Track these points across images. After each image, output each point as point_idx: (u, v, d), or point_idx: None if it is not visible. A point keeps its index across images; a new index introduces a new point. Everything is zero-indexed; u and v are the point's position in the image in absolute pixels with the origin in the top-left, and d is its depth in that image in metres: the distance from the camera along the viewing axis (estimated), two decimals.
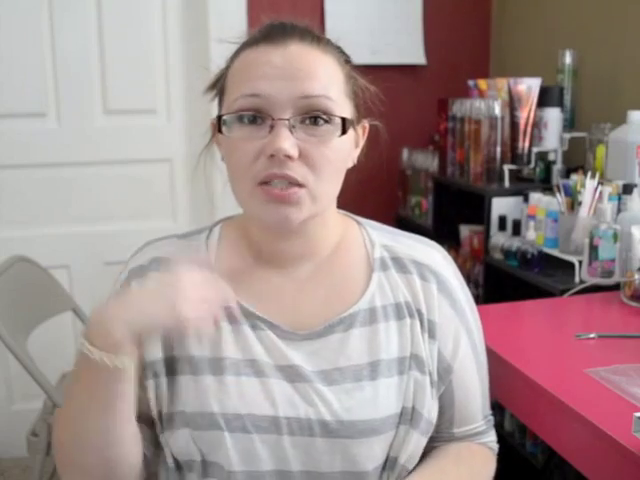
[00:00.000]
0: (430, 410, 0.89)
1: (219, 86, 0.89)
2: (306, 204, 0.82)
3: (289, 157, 0.79)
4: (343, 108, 0.84)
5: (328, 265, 0.91)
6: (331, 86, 0.83)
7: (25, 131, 2.32)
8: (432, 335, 0.91)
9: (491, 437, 1.00)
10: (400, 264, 0.93)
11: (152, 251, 0.92)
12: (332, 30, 2.40)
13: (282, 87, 0.80)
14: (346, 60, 0.88)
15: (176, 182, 2.48)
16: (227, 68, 0.88)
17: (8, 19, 2.25)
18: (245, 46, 0.86)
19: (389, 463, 0.87)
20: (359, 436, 0.84)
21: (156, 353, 0.86)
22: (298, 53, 0.82)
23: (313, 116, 0.81)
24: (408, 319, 0.90)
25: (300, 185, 0.81)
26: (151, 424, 0.88)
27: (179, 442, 0.85)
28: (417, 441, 0.88)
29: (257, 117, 0.81)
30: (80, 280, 2.41)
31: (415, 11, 2.54)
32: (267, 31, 0.85)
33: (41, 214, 2.39)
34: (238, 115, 0.82)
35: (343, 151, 0.85)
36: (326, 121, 0.82)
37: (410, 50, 2.55)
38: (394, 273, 0.92)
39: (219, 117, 0.84)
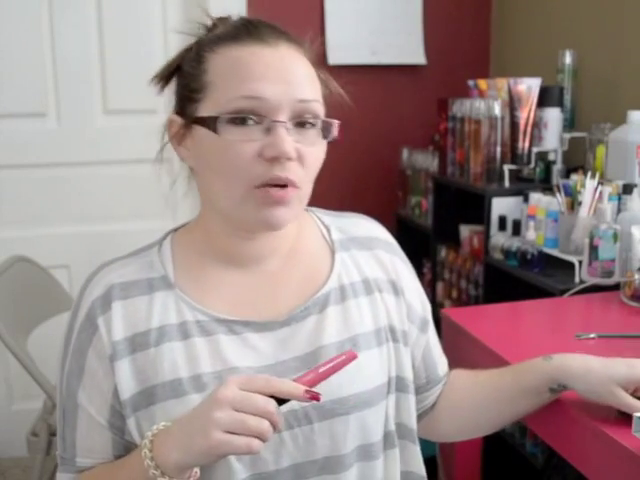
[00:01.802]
0: (409, 372, 0.95)
1: (195, 82, 0.86)
2: (295, 205, 0.84)
3: (289, 159, 0.80)
4: (323, 111, 0.86)
5: (293, 256, 0.92)
6: (318, 90, 0.85)
7: (25, 131, 2.33)
8: (406, 301, 0.96)
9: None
10: (358, 242, 0.97)
11: (107, 277, 0.90)
12: (332, 30, 2.41)
13: (281, 90, 0.80)
14: (315, 61, 0.88)
15: (176, 182, 2.47)
16: (198, 61, 0.86)
17: (8, 19, 2.26)
18: (222, 40, 0.84)
19: (391, 430, 0.91)
20: (354, 411, 0.86)
21: (132, 388, 0.83)
22: (289, 55, 0.83)
23: (306, 120, 0.82)
24: (377, 293, 0.94)
25: (295, 186, 0.82)
26: None
27: None
28: (411, 402, 0.94)
29: (252, 119, 0.80)
30: (80, 280, 2.35)
31: (415, 11, 2.54)
32: (248, 28, 0.84)
33: (41, 214, 2.39)
34: (235, 117, 0.80)
35: (324, 153, 0.87)
36: (312, 124, 0.83)
37: (410, 50, 2.55)
38: (356, 252, 0.95)
39: (203, 117, 0.82)
